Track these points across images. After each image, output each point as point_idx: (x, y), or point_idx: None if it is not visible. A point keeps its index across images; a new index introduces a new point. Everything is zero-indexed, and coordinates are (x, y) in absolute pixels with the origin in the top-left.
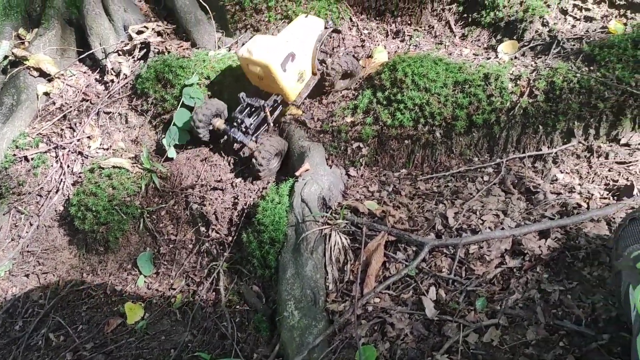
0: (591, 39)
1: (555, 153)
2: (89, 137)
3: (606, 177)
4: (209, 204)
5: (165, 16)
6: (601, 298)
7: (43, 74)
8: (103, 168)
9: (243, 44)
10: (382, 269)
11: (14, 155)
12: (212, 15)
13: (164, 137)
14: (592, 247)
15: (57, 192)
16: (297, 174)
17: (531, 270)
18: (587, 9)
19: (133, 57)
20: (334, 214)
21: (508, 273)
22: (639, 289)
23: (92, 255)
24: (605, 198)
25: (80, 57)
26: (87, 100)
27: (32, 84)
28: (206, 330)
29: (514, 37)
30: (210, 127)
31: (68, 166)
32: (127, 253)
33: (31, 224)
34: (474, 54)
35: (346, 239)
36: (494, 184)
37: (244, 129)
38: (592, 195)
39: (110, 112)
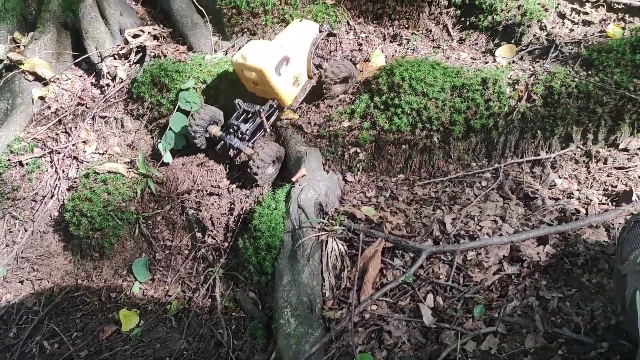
0: (589, 43)
1: (554, 158)
2: (84, 142)
3: (605, 182)
4: (205, 209)
5: (161, 19)
6: (600, 305)
7: (38, 78)
8: (98, 173)
9: (240, 48)
10: (379, 276)
11: (9, 160)
12: (209, 19)
13: (159, 142)
14: (591, 254)
15: (52, 197)
16: (293, 179)
17: (529, 277)
18: (585, 13)
19: (129, 61)
20: (330, 220)
21: (506, 280)
22: None
23: (87, 261)
24: (604, 204)
25: (76, 60)
26: (83, 105)
27: (27, 88)
28: (202, 338)
29: (512, 41)
30: (207, 134)
31: (63, 171)
32: (122, 259)
33: (26, 230)
34: (471, 58)
35: (343, 245)
36: (492, 189)
37: (240, 135)
38: (591, 200)
39: (106, 117)
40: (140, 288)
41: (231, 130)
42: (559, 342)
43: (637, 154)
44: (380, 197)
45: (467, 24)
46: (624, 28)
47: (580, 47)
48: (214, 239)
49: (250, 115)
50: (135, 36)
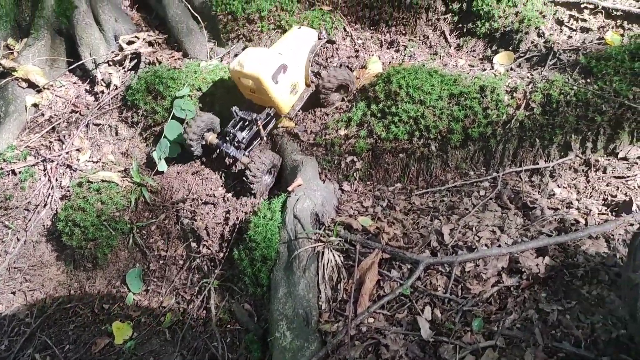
0: (588, 50)
1: (553, 167)
2: (78, 150)
3: (604, 192)
4: (200, 219)
5: (157, 25)
6: (601, 318)
7: (32, 85)
8: (92, 182)
9: (235, 55)
10: (376, 288)
11: (1, 168)
12: (204, 25)
13: (154, 150)
14: (590, 265)
15: (45, 206)
16: (289, 189)
17: (529, 289)
18: (584, 20)
19: (124, 68)
20: (327, 231)
21: (505, 292)
22: None
23: (80, 271)
24: (603, 214)
25: (70, 67)
26: (77, 112)
27: (21, 96)
28: (196, 351)
29: (510, 48)
30: (203, 142)
31: (56, 180)
32: (116, 269)
33: (18, 239)
34: (469, 65)
35: (339, 256)
36: (490, 198)
37: (236, 144)
38: (590, 211)
39: (100, 124)
40: (134, 299)
41: (227, 138)
42: (559, 356)
43: (637, 163)
44: (377, 207)
45: (465, 30)
46: (622, 35)
47: (578, 54)
48: (209, 249)
49: (247, 123)
50: (130, 43)
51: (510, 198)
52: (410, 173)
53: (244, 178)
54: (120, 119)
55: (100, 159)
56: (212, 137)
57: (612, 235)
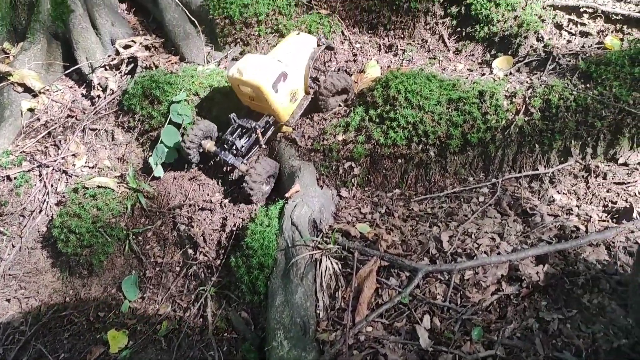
0: (587, 55)
1: (552, 173)
2: (74, 155)
3: (604, 198)
4: (197, 225)
5: (154, 29)
6: (602, 327)
7: (28, 90)
8: (87, 188)
9: (233, 59)
10: (375, 296)
11: None
12: (201, 29)
13: (151, 155)
14: (591, 273)
15: (40, 212)
16: (287, 195)
17: (529, 298)
18: (583, 24)
19: (120, 72)
20: (324, 238)
21: (505, 300)
22: None
23: (75, 278)
24: (604, 220)
25: (67, 71)
26: (73, 117)
27: (17, 100)
28: None
29: (509, 52)
30: (201, 149)
31: (52, 185)
32: (111, 276)
33: (13, 246)
34: (468, 70)
35: (337, 264)
36: (490, 205)
37: (234, 152)
38: (591, 217)
39: (96, 129)
40: (129, 307)
41: (226, 145)
42: None
43: (637, 169)
44: (375, 214)
45: (463, 34)
46: (622, 39)
47: (578, 58)
48: (206, 256)
49: (245, 130)
50: (126, 47)
51: (510, 204)
52: (409, 179)
53: (242, 186)
54: (117, 123)
55: (96, 164)
56: (210, 145)
57: (613, 242)
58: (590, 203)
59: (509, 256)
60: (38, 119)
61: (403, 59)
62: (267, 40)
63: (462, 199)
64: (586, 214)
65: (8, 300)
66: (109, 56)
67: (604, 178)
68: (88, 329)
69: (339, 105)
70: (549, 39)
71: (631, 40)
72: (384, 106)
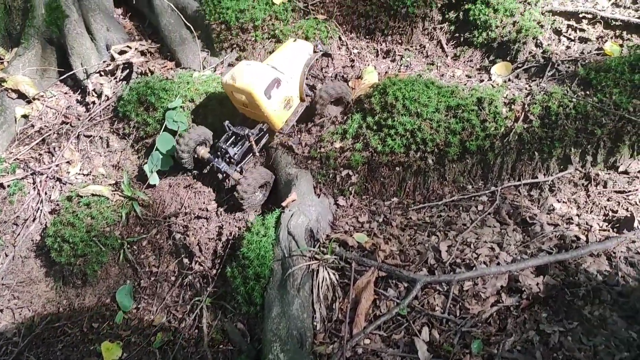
0: (587, 61)
1: (552, 181)
2: (68, 162)
3: (605, 207)
4: (193, 234)
5: (149, 34)
6: (603, 340)
7: (22, 96)
8: (81, 196)
9: (229, 65)
10: (373, 307)
11: None
12: (197, 35)
13: (146, 163)
14: (592, 284)
15: (34, 220)
16: (283, 204)
17: (529, 309)
18: (582, 30)
19: (115, 78)
20: (321, 248)
21: (505, 312)
22: None
23: (69, 288)
24: (604, 230)
25: (61, 77)
26: (67, 123)
27: (10, 106)
28: None
29: (508, 58)
30: (195, 155)
31: (46, 193)
32: (106, 286)
33: (6, 255)
34: (466, 76)
35: (334, 274)
36: (489, 213)
37: (227, 159)
38: (591, 227)
39: (91, 136)
40: (124, 317)
41: (219, 153)
42: None
43: (638, 177)
44: (373, 223)
45: (462, 40)
46: (621, 45)
47: (577, 65)
48: (202, 265)
49: (239, 138)
50: (121, 52)
51: (509, 213)
52: (407, 187)
53: (234, 194)
54: (112, 130)
55: (90, 172)
56: (204, 152)
57: (614, 252)
58: (591, 212)
59: (509, 267)
60: (32, 126)
61: (401, 65)
62: (263, 46)
63: (460, 208)
64: (586, 224)
65: (1, 311)
66: (104, 62)
67: (605, 186)
68: (82, 340)
69: (337, 113)
70: (548, 44)
71: (631, 47)
72: (381, 113)
